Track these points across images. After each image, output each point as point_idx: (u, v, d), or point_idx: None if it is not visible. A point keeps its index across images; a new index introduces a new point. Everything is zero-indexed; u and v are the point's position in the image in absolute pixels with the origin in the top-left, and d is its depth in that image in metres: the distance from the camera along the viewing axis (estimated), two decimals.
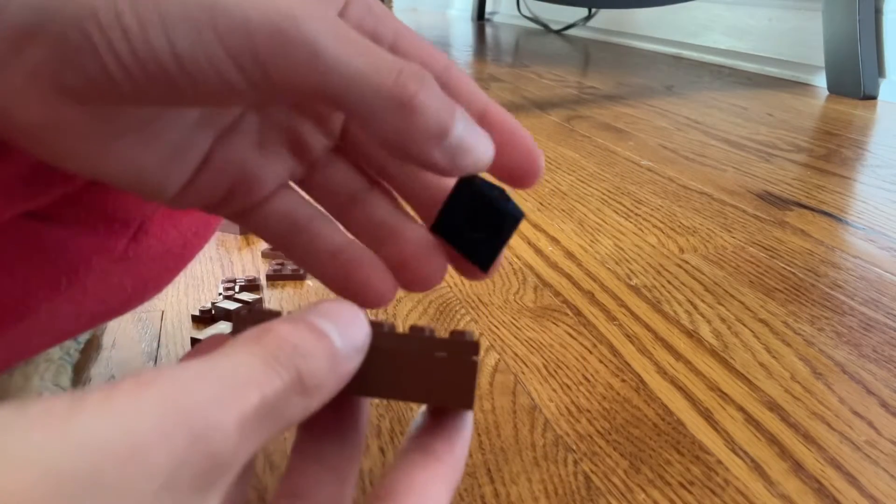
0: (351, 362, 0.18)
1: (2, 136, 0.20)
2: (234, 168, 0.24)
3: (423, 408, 0.23)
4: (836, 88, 1.23)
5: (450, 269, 0.26)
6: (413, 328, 0.21)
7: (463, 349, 0.21)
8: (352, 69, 0.19)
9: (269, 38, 0.19)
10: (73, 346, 0.43)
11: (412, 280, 0.25)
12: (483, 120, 0.23)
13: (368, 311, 0.49)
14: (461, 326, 0.46)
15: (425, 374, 0.21)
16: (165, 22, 0.19)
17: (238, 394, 0.15)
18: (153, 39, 0.19)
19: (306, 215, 0.25)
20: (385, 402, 0.38)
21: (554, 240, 0.61)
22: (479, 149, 0.21)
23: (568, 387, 0.40)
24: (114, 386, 0.14)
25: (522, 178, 0.24)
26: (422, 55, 0.23)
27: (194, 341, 0.43)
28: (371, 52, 0.19)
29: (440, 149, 0.20)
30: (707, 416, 0.37)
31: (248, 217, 0.25)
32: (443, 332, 0.45)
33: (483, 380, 0.40)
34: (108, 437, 0.14)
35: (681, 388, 0.40)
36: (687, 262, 0.56)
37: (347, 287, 0.25)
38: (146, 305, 0.49)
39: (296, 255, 0.26)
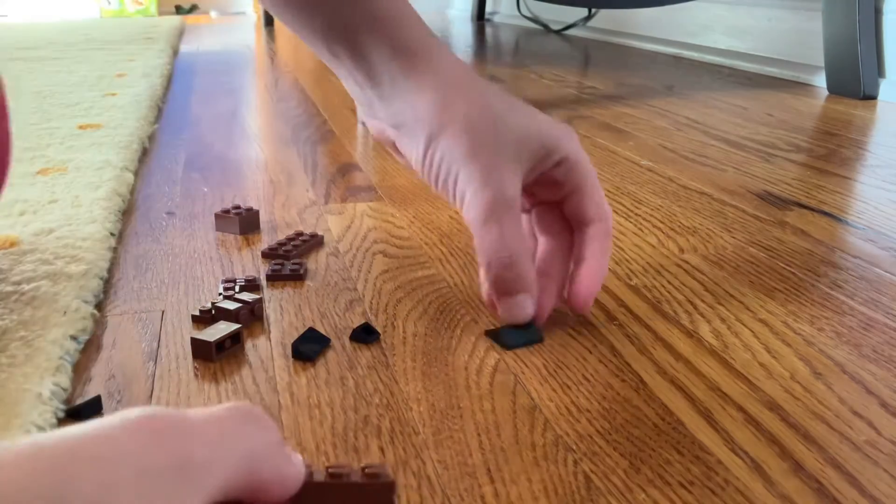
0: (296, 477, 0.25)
1: None
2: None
3: None
4: (835, 88, 1.23)
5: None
6: (332, 470, 0.27)
7: (381, 489, 0.27)
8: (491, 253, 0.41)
9: (476, 212, 0.40)
10: (73, 346, 0.43)
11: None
12: (577, 266, 0.43)
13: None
14: (461, 326, 0.46)
15: None
16: (445, 158, 0.41)
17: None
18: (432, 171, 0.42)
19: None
20: (385, 400, 0.39)
21: None
22: (512, 315, 0.43)
23: (568, 387, 0.40)
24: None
25: (575, 311, 0.46)
26: (590, 214, 0.43)
27: (194, 341, 0.43)
28: (510, 263, 0.41)
29: (501, 300, 0.42)
30: (707, 415, 0.37)
31: None
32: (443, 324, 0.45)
33: (483, 380, 0.40)
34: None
35: (680, 388, 0.40)
36: (687, 262, 0.56)
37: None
38: (146, 305, 0.50)
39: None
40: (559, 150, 0.41)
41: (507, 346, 0.44)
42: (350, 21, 0.41)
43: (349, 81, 0.44)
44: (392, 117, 0.41)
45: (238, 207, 0.63)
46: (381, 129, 0.44)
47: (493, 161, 0.40)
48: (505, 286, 0.41)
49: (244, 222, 0.62)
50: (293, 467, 0.24)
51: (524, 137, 0.40)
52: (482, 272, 0.43)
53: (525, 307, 0.42)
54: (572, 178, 0.42)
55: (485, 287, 0.44)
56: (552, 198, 0.44)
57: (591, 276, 0.43)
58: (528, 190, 0.44)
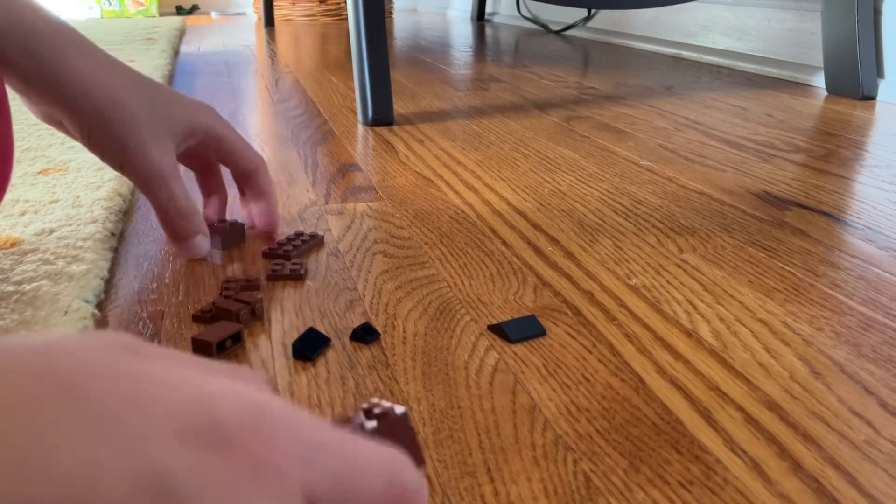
0: None
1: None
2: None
3: None
4: (834, 89, 1.24)
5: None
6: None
7: (396, 425, 0.24)
8: (172, 207, 0.52)
9: (144, 179, 0.50)
10: None
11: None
12: (264, 200, 0.59)
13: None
14: (461, 326, 0.46)
15: None
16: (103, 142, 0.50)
17: None
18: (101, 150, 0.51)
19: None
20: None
21: (553, 240, 0.61)
22: (194, 253, 0.54)
23: (567, 386, 0.40)
24: None
25: (270, 232, 0.60)
26: (252, 165, 0.58)
27: (195, 341, 0.43)
28: (185, 214, 0.52)
29: (182, 244, 0.53)
30: (706, 415, 0.37)
31: None
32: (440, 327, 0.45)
33: (483, 379, 0.41)
34: None
35: (680, 388, 0.40)
36: (686, 262, 0.56)
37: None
38: (147, 305, 0.50)
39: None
40: (200, 127, 0.52)
41: (511, 340, 0.44)
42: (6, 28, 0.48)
43: (11, 78, 0.49)
44: (60, 102, 0.48)
45: (223, 220, 0.60)
46: (47, 112, 0.51)
47: (151, 139, 0.49)
48: (183, 233, 0.52)
49: (227, 237, 0.59)
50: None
51: (172, 118, 0.51)
52: (161, 226, 0.53)
53: (203, 244, 0.54)
54: (222, 147, 0.55)
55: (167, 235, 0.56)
56: (215, 161, 0.57)
57: (275, 206, 0.59)
58: (192, 159, 0.58)
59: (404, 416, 0.24)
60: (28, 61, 0.47)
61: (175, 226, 0.52)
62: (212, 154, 0.56)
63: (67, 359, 0.16)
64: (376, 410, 0.23)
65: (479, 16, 2.72)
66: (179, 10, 3.39)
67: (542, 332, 0.45)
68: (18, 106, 0.54)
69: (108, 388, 0.16)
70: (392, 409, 0.24)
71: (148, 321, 0.47)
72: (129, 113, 0.49)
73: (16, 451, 0.14)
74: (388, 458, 0.20)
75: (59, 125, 0.52)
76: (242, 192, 0.60)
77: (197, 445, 0.16)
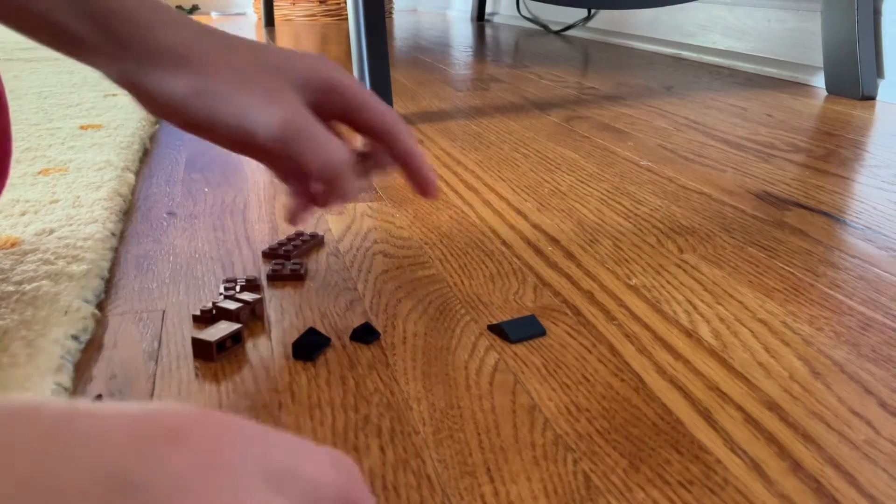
0: None
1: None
2: None
3: None
4: (834, 89, 1.24)
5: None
6: None
7: None
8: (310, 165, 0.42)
9: (281, 141, 0.41)
10: (74, 346, 0.43)
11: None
12: (411, 159, 0.46)
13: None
14: (461, 326, 0.46)
15: None
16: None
17: None
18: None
19: None
20: (385, 400, 0.39)
21: (553, 240, 0.61)
22: (344, 198, 0.44)
23: (567, 386, 0.40)
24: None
25: (429, 196, 0.47)
26: (388, 119, 0.45)
27: (195, 341, 0.43)
28: (324, 151, 0.42)
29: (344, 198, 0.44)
30: (706, 415, 0.37)
31: None
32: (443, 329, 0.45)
33: (483, 379, 0.41)
34: None
35: (680, 388, 0.40)
36: (686, 262, 0.56)
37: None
38: (147, 305, 0.50)
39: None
40: (319, 78, 0.44)
41: (511, 340, 0.44)
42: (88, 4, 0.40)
43: (90, 52, 0.41)
44: (150, 59, 0.41)
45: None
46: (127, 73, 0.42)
47: (273, 86, 0.42)
48: (342, 178, 0.43)
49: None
50: None
51: (289, 72, 0.43)
52: (317, 183, 0.44)
53: (356, 187, 0.45)
54: (347, 100, 0.45)
55: (289, 196, 0.48)
56: (340, 119, 0.46)
57: (428, 164, 0.47)
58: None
59: None
60: (114, 45, 0.40)
61: (335, 176, 0.43)
62: (335, 111, 0.45)
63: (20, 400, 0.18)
64: None
65: (479, 16, 2.72)
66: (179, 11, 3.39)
67: (542, 332, 0.45)
68: (19, 106, 0.54)
69: (63, 410, 0.18)
70: None
71: (148, 321, 0.47)
72: (241, 82, 0.41)
73: None
74: (327, 449, 0.22)
75: (172, 115, 0.43)
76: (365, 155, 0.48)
77: (154, 444, 0.17)
